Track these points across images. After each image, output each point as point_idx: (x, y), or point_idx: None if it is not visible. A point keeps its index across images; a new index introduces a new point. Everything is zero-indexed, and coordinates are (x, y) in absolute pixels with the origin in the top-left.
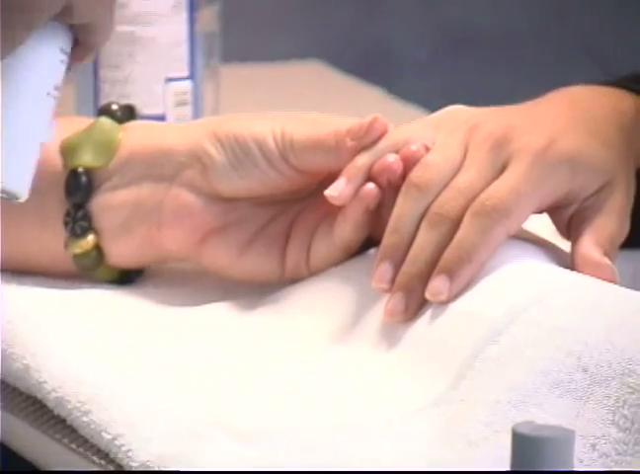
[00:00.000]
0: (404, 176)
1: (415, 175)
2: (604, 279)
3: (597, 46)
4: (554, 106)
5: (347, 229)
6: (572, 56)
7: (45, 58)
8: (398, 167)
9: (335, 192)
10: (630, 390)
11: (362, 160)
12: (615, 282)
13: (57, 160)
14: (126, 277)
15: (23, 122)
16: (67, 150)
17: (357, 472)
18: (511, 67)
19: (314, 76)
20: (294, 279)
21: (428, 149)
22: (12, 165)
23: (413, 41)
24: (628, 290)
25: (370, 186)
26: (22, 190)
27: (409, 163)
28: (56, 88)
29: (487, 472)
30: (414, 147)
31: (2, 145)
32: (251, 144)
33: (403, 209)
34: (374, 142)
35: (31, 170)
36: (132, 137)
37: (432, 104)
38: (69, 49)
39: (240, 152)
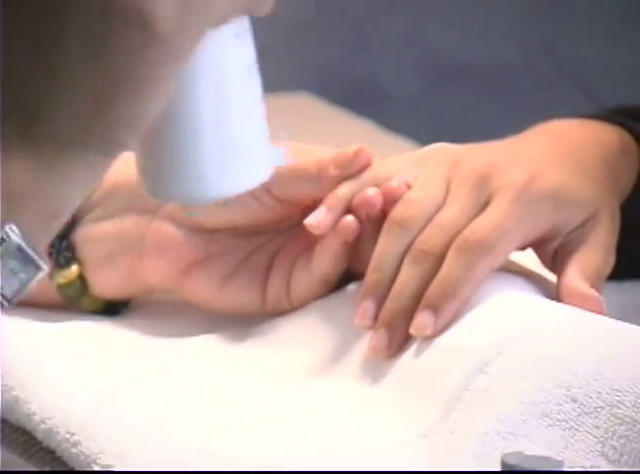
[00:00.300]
0: (384, 211)
1: (397, 212)
2: (592, 311)
3: (585, 78)
4: (537, 140)
5: (325, 261)
6: (561, 88)
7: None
8: (378, 201)
9: (314, 221)
10: (619, 421)
11: (343, 191)
12: (603, 314)
13: None
14: (112, 308)
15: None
16: None
17: (357, 472)
18: (499, 99)
19: (303, 108)
20: (276, 312)
21: (409, 186)
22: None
23: (402, 73)
24: (616, 322)
25: (349, 218)
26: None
27: (389, 199)
28: (249, 64)
29: (484, 472)
30: (395, 183)
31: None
32: None
33: (385, 247)
34: (357, 173)
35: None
36: (116, 169)
37: (420, 135)
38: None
39: None
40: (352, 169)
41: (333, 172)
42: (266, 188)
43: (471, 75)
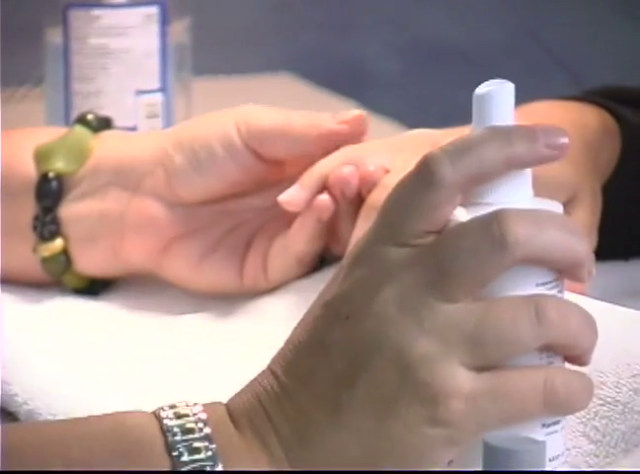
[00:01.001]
0: (361, 195)
1: (374, 197)
2: (573, 291)
3: (569, 61)
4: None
5: (300, 240)
6: (545, 71)
7: None
8: (353, 179)
9: (287, 197)
10: (601, 402)
11: (318, 169)
12: (584, 294)
13: (30, 165)
14: (95, 287)
15: None
16: (40, 155)
17: (357, 472)
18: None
19: (286, 89)
20: (253, 291)
21: (387, 171)
22: None
23: (385, 55)
24: (599, 302)
25: (324, 196)
26: None
27: (366, 183)
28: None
29: (484, 472)
30: (372, 167)
31: None
32: (212, 141)
33: (362, 232)
34: (349, 138)
35: None
36: (104, 146)
37: (404, 117)
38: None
39: (200, 150)
40: (347, 129)
41: (320, 129)
42: (246, 145)
43: (455, 57)
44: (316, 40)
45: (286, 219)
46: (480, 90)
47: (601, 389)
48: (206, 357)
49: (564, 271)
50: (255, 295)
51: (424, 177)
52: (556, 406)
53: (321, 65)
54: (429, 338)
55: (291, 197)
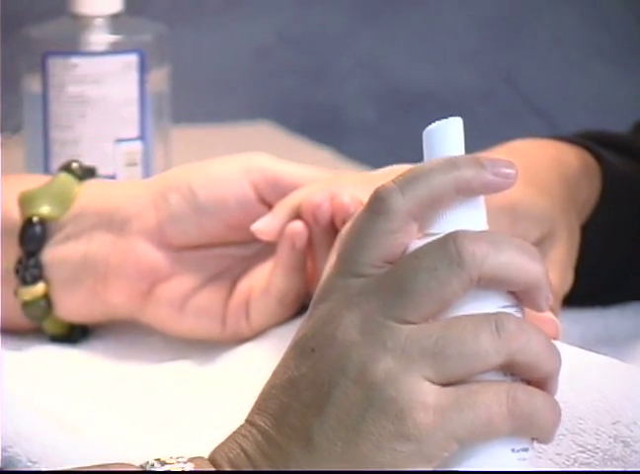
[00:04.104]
0: (334, 226)
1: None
2: (547, 334)
3: (544, 106)
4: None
5: (278, 274)
6: (520, 116)
7: None
8: (324, 203)
9: (260, 225)
10: (581, 449)
11: (292, 199)
12: (557, 337)
13: (14, 210)
14: (74, 335)
15: None
16: (25, 201)
17: (357, 472)
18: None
19: (263, 137)
20: (235, 337)
21: (362, 204)
22: None
23: (361, 102)
24: (576, 348)
25: (297, 223)
26: None
27: (341, 214)
28: None
29: (487, 472)
30: (346, 199)
31: None
32: (216, 183)
33: None
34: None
35: None
36: (88, 192)
37: (380, 164)
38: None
39: (202, 192)
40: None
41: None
42: (255, 190)
43: (431, 103)
44: (293, 87)
45: (270, 266)
46: (430, 126)
47: (581, 436)
48: (187, 405)
49: (522, 294)
50: (236, 342)
51: (376, 207)
52: (520, 418)
53: (298, 112)
54: (392, 355)
55: (264, 225)
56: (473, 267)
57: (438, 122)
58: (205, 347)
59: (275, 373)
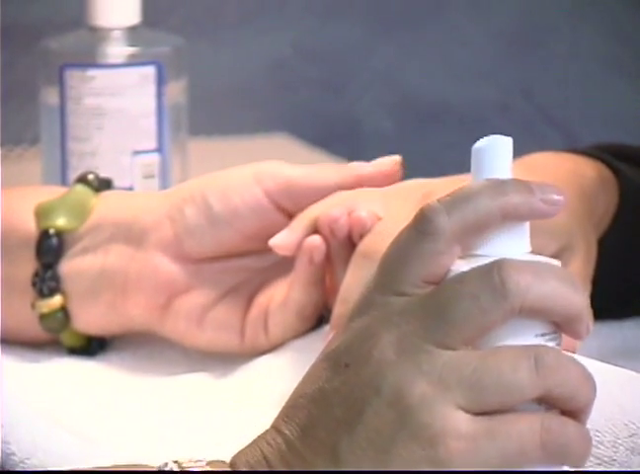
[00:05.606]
0: (351, 240)
1: (365, 244)
2: (563, 348)
3: (562, 120)
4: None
5: (296, 288)
6: (538, 129)
7: None
8: (342, 217)
9: (278, 240)
10: (598, 461)
11: (309, 213)
12: (575, 350)
13: (30, 222)
14: (92, 347)
15: None
16: (41, 213)
17: (358, 472)
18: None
19: (281, 149)
20: (253, 349)
21: (379, 218)
22: None
23: (379, 114)
24: (594, 361)
25: (314, 237)
26: None
27: (358, 228)
28: None
29: (494, 472)
30: (364, 213)
31: None
32: (231, 194)
33: (352, 278)
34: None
35: None
36: (105, 203)
37: None
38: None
39: (217, 204)
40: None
41: (356, 172)
42: (269, 197)
43: (449, 116)
44: (310, 100)
45: (288, 278)
46: (479, 144)
47: (598, 448)
48: (205, 418)
49: (562, 324)
50: (254, 355)
51: (421, 227)
52: (553, 448)
53: (315, 124)
54: (428, 380)
55: (282, 240)
56: (516, 297)
57: (487, 139)
58: (223, 359)
59: (304, 382)
